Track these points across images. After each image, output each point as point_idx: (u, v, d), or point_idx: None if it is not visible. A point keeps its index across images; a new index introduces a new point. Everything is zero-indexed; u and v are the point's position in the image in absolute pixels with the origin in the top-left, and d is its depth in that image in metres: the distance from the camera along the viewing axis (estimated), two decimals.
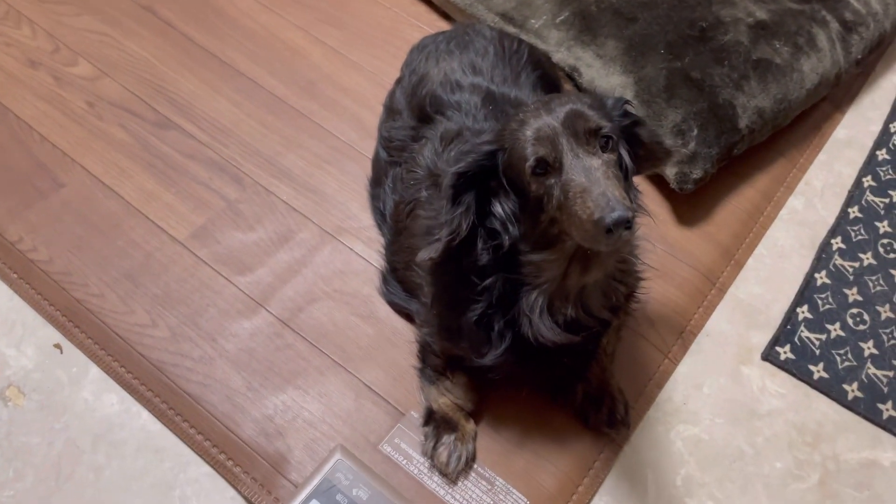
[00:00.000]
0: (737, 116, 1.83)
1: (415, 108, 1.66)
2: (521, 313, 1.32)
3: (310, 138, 1.97)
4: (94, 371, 1.59)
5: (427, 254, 1.25)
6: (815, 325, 1.75)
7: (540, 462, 1.51)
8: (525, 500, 1.46)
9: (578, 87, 1.98)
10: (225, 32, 2.18)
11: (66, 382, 1.57)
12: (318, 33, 2.20)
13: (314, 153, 1.94)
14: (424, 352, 1.55)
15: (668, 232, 1.86)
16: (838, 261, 1.86)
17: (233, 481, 1.46)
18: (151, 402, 1.54)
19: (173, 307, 1.66)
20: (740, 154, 1.92)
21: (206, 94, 2.03)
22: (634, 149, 1.32)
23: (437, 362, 1.53)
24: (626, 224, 1.09)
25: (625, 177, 1.27)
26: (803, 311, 1.77)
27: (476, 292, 1.32)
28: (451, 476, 1.46)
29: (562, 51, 1.98)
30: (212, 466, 1.48)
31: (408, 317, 1.65)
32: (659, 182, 1.91)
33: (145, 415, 1.54)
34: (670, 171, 1.81)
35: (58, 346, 1.62)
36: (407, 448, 1.50)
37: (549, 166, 1.18)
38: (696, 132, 1.80)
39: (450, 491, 1.46)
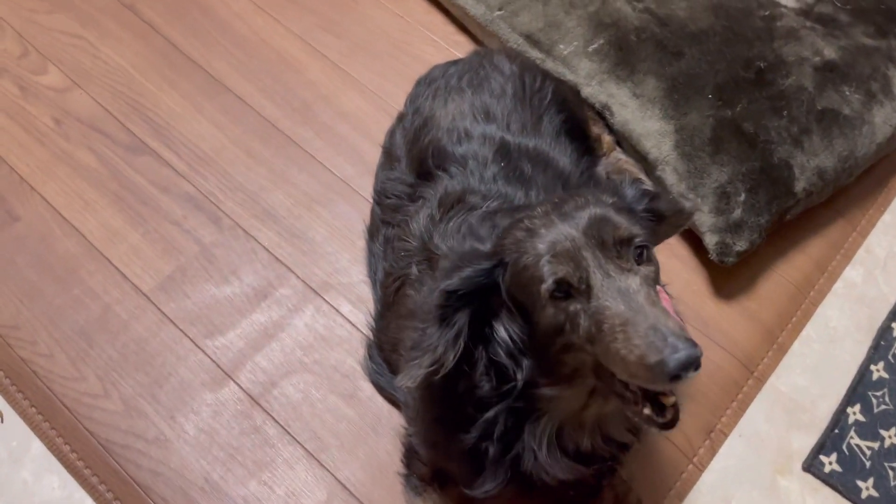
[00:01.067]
0: (793, 179, 1.57)
1: (414, 159, 1.42)
2: (525, 447, 1.09)
3: (300, 172, 1.74)
4: (37, 447, 1.40)
5: (404, 380, 1.02)
6: (868, 430, 1.51)
7: None
8: None
9: (609, 128, 1.72)
10: (213, 38, 1.93)
11: (4, 459, 1.39)
12: (317, 43, 1.95)
13: (304, 191, 1.71)
14: (410, 456, 1.34)
15: (702, 306, 1.62)
16: None
17: None
18: (96, 489, 1.35)
19: (130, 374, 1.46)
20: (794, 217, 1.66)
21: (187, 112, 1.80)
22: (653, 224, 1.08)
23: (424, 471, 1.31)
24: (697, 364, 0.86)
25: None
26: (854, 412, 1.53)
27: (470, 420, 1.10)
28: None
29: (593, 84, 1.71)
30: None
31: (394, 401, 1.43)
32: (695, 243, 1.65)
33: (89, 503, 1.35)
34: (710, 240, 1.56)
35: None
36: None
37: (572, 288, 0.94)
38: (743, 196, 1.54)
39: None
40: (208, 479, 1.37)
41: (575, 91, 1.71)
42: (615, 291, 0.92)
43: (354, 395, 1.46)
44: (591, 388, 1.04)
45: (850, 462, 1.47)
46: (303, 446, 1.41)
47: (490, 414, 1.06)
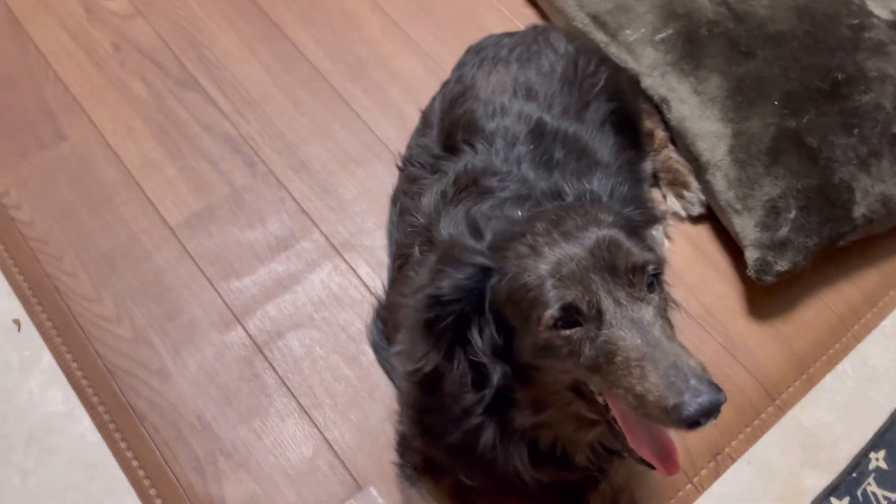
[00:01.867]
0: (853, 203, 1.46)
1: (444, 129, 1.37)
2: (511, 455, 1.04)
3: (342, 128, 1.72)
4: (47, 360, 1.44)
5: (394, 364, 0.98)
6: (890, 479, 1.40)
7: None
8: None
9: (665, 124, 1.63)
10: None
11: (15, 367, 1.44)
12: (383, 0, 1.91)
13: (343, 147, 1.69)
14: (404, 445, 1.31)
15: (732, 322, 1.53)
16: None
17: None
18: (95, 409, 1.39)
19: (144, 304, 1.49)
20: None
21: (241, 54, 1.80)
22: None
23: (417, 460, 1.29)
24: (718, 411, 0.80)
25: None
26: (878, 458, 1.43)
27: (457, 419, 1.04)
28: None
29: (654, 76, 1.62)
30: (141, 500, 1.32)
31: (390, 375, 1.41)
32: (736, 256, 1.56)
33: (87, 422, 1.39)
34: (750, 254, 1.47)
35: (17, 321, 1.48)
36: None
37: (579, 314, 0.87)
38: (793, 214, 1.44)
39: None
40: (200, 418, 1.38)
41: (633, 81, 1.63)
42: (629, 322, 0.85)
43: (356, 359, 1.45)
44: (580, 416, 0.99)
45: None
46: (297, 400, 1.40)
47: (475, 422, 1.01)
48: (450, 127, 1.37)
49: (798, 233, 1.43)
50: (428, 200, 1.26)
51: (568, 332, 0.88)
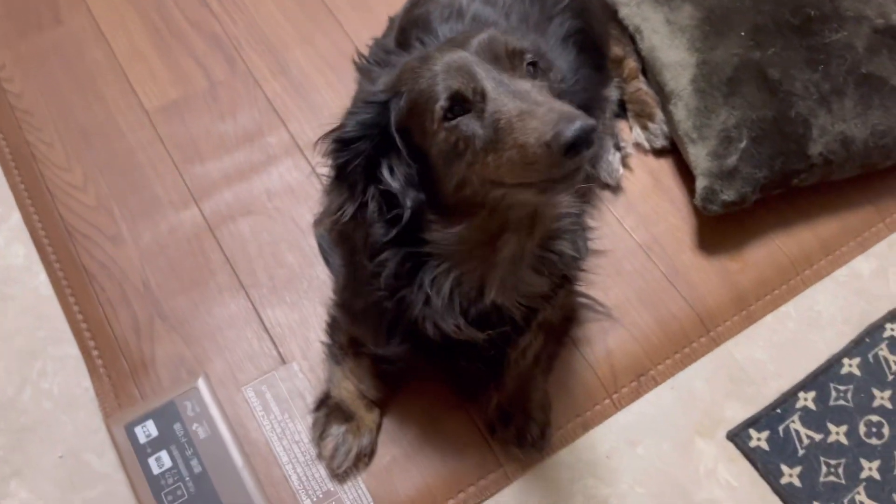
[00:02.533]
0: (808, 139, 1.44)
1: (400, 28, 1.41)
2: (417, 292, 1.09)
3: (324, 37, 1.77)
4: (16, 218, 1.54)
5: (320, 227, 1.05)
6: (815, 419, 1.39)
7: (411, 464, 1.31)
8: (370, 499, 1.28)
9: (638, 53, 1.63)
10: None
11: None
12: None
13: (322, 55, 1.74)
14: (333, 327, 1.36)
15: (678, 254, 1.53)
16: (884, 352, 1.45)
17: (92, 372, 1.38)
18: (52, 266, 1.48)
19: (111, 177, 1.57)
20: (808, 186, 1.52)
21: None
22: None
23: (343, 340, 1.34)
24: (591, 136, 0.85)
25: None
26: (807, 398, 1.41)
27: (373, 271, 1.10)
28: (336, 471, 1.27)
29: (631, 5, 1.62)
30: (81, 351, 1.40)
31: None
32: (692, 190, 1.55)
33: (42, 277, 1.48)
34: (699, 184, 1.46)
35: None
36: (271, 400, 1.35)
37: (466, 102, 0.94)
38: (744, 143, 1.43)
39: (292, 460, 1.30)
40: (145, 283, 1.46)
41: (609, 9, 1.63)
42: (509, 92, 0.92)
43: (301, 248, 1.50)
44: (491, 223, 1.02)
45: (782, 445, 1.36)
46: (238, 278, 1.47)
47: (383, 256, 1.06)
48: (405, 25, 1.40)
49: (747, 163, 1.42)
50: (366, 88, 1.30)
51: (457, 122, 0.94)
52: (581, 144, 0.85)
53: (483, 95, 0.93)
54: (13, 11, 1.77)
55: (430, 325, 1.11)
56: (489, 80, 0.94)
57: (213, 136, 1.63)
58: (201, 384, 1.34)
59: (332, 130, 1.02)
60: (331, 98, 1.68)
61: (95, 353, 1.39)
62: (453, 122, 0.94)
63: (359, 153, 1.00)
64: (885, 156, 1.51)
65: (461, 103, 0.94)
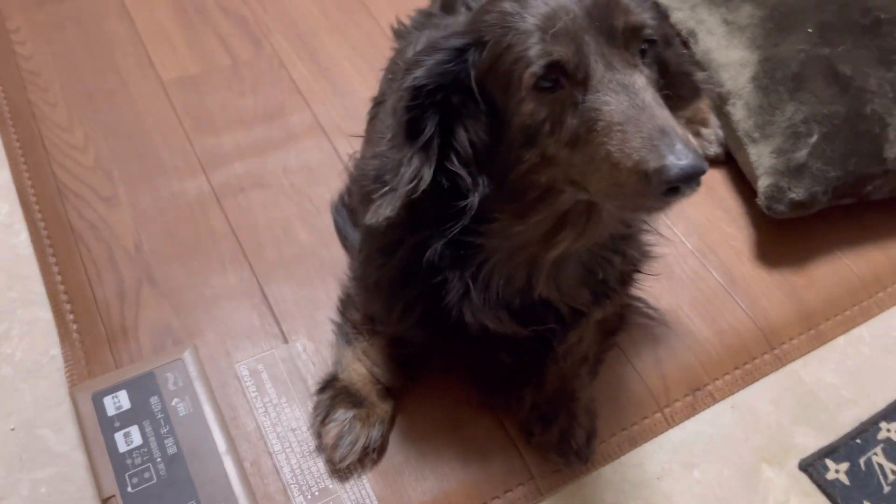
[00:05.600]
0: (884, 140, 1.31)
1: None
2: (454, 287, 0.92)
3: (356, 28, 1.68)
4: (4, 176, 1.39)
5: (380, 213, 0.83)
6: None
7: (427, 467, 1.09)
8: (375, 502, 1.06)
9: (692, 58, 1.53)
10: None
11: None
12: None
13: (352, 45, 1.65)
14: (346, 304, 1.18)
15: (735, 263, 1.36)
16: None
17: (63, 338, 1.18)
18: (36, 225, 1.31)
19: (115, 140, 1.43)
20: (882, 199, 1.38)
21: None
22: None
23: (357, 318, 1.15)
24: (699, 180, 0.70)
25: None
26: (889, 430, 1.21)
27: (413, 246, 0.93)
28: (338, 464, 1.05)
29: (685, 9, 1.54)
30: (54, 314, 1.21)
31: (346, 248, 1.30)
32: (748, 198, 1.41)
33: (24, 236, 1.31)
34: (762, 183, 1.32)
35: None
36: (267, 381, 1.15)
37: (565, 77, 0.76)
38: (815, 139, 1.29)
39: (286, 449, 1.09)
40: (138, 246, 1.29)
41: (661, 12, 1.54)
42: (618, 85, 0.74)
43: (315, 226, 1.34)
44: (561, 216, 0.87)
45: (864, 479, 1.15)
46: (242, 248, 1.30)
47: (425, 235, 0.89)
48: None
49: (818, 158, 1.28)
50: (414, 49, 1.17)
51: (550, 96, 0.76)
52: (686, 187, 0.70)
53: (586, 77, 0.76)
54: None
55: (469, 314, 0.94)
56: (598, 58, 0.75)
57: (230, 110, 1.50)
58: (187, 356, 1.14)
59: (407, 73, 0.83)
60: (359, 85, 1.57)
61: (71, 317, 1.20)
62: (548, 96, 0.77)
63: (432, 106, 0.82)
64: None
65: (559, 73, 0.76)
